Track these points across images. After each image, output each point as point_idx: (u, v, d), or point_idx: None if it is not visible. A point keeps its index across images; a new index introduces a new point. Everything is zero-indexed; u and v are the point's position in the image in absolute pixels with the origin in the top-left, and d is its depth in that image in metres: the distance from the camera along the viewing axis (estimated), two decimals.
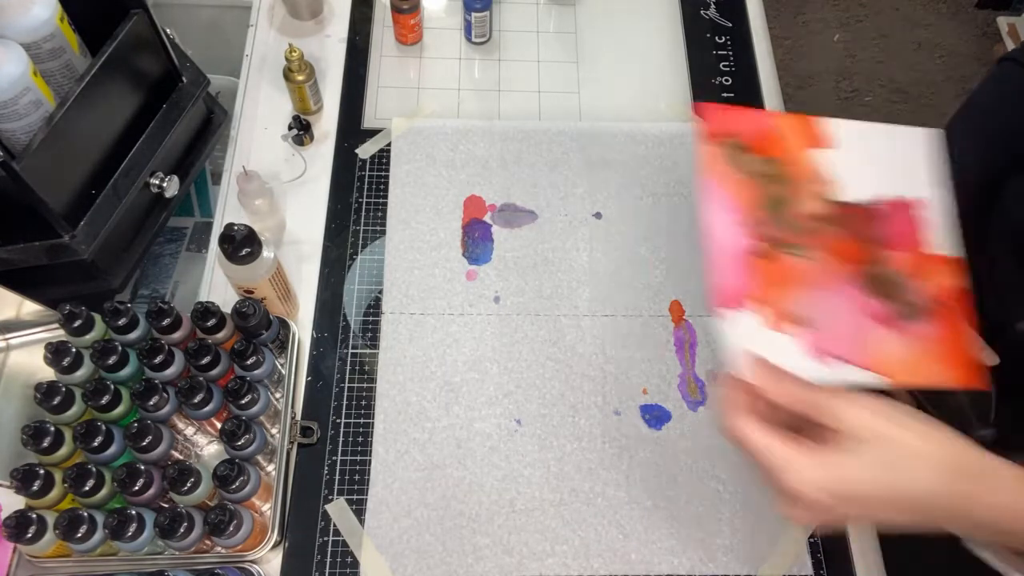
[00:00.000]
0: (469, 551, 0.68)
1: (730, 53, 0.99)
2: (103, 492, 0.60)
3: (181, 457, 0.65)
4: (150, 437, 0.60)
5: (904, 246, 0.58)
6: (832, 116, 0.63)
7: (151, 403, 0.62)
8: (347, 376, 0.76)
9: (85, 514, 0.57)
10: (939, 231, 0.59)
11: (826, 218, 0.58)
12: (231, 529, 0.58)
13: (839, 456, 0.45)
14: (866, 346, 0.55)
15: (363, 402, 0.74)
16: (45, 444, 0.60)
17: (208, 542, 0.61)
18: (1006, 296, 0.70)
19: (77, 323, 0.65)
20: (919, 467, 0.45)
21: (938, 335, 0.55)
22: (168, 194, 0.82)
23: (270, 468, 0.67)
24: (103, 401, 0.62)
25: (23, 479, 0.58)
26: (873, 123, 0.61)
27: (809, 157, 0.59)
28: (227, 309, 0.68)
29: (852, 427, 0.46)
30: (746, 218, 0.56)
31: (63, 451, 0.61)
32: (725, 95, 0.96)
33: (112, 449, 0.61)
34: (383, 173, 0.87)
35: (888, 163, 0.61)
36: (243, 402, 0.64)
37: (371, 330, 0.78)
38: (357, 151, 0.89)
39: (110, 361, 0.63)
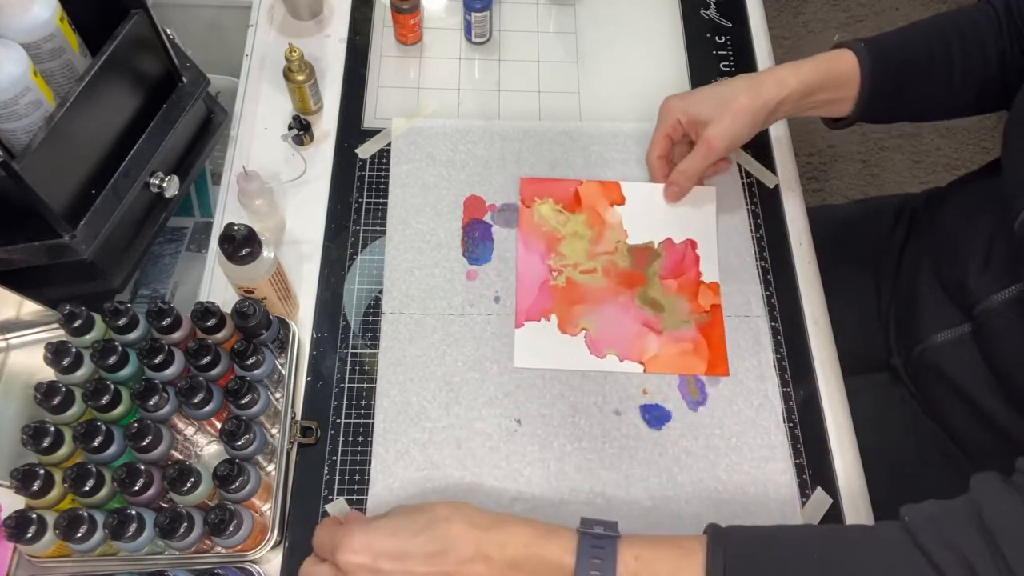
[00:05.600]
0: None
1: (730, 53, 0.99)
2: (103, 492, 0.60)
3: (181, 457, 0.65)
4: (150, 437, 0.60)
5: (678, 274, 0.80)
6: None
7: (151, 403, 0.62)
8: (347, 376, 0.76)
9: (85, 514, 0.57)
10: (706, 263, 0.80)
11: (616, 254, 0.80)
12: (231, 529, 0.58)
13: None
14: (632, 345, 0.77)
15: (363, 402, 0.74)
16: (45, 444, 0.60)
17: (208, 542, 0.61)
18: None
19: (77, 323, 0.65)
20: None
21: (693, 338, 0.77)
22: (168, 194, 0.82)
23: (270, 468, 0.67)
24: (103, 401, 0.61)
25: (23, 479, 0.58)
26: (658, 183, 0.84)
27: (610, 212, 0.83)
28: (227, 309, 0.68)
29: None
30: (546, 256, 0.80)
31: (63, 451, 0.61)
32: None
33: (112, 449, 0.61)
34: (383, 173, 0.87)
35: (667, 213, 0.83)
36: (243, 402, 0.64)
37: (371, 330, 0.78)
38: (357, 151, 0.89)
39: (110, 361, 0.63)
